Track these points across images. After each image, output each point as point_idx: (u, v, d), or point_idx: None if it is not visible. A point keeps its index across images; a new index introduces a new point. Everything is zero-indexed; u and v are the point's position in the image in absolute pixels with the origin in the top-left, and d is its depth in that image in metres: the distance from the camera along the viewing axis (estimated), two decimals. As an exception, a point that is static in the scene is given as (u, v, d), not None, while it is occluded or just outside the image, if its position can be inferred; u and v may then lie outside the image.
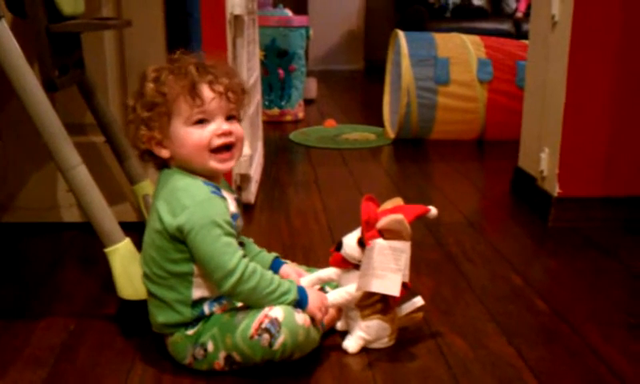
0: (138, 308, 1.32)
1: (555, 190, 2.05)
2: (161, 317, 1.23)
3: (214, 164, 1.22)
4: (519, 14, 5.90)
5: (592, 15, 1.94)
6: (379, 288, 1.25)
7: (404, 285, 1.28)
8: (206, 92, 1.19)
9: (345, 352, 1.30)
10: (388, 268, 1.24)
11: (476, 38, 3.34)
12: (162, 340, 1.27)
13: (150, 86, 1.20)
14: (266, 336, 1.15)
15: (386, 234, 1.24)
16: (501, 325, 1.43)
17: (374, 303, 1.29)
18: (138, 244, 1.32)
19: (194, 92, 1.18)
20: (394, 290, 1.25)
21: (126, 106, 1.26)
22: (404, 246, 1.25)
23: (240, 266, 1.16)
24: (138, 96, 1.22)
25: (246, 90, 1.29)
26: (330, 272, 1.34)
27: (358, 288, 1.27)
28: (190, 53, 1.26)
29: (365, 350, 1.31)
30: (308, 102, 4.38)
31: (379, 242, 1.24)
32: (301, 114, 3.95)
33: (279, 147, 3.21)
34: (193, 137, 1.20)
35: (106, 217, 1.37)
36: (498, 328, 1.41)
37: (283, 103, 3.88)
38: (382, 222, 1.24)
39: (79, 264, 1.76)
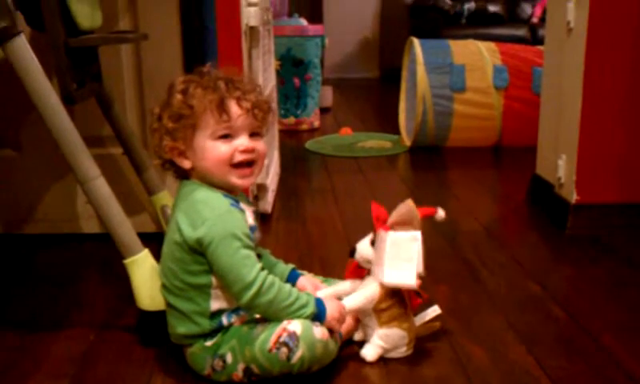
0: (158, 319, 1.33)
1: (573, 197, 2.04)
2: (180, 328, 1.24)
3: (235, 179, 1.23)
4: (535, 20, 5.88)
5: (607, 21, 1.93)
6: (393, 278, 1.24)
7: (419, 294, 1.28)
8: (234, 108, 1.20)
9: (363, 361, 1.30)
10: (401, 258, 1.24)
11: (491, 45, 3.34)
12: (181, 351, 1.28)
13: (178, 97, 1.21)
14: (284, 350, 1.16)
15: (396, 227, 1.25)
16: (519, 333, 1.42)
17: (390, 307, 1.29)
18: (157, 254, 1.33)
19: (221, 107, 1.19)
20: (410, 280, 1.24)
21: (150, 114, 1.27)
22: (415, 235, 1.25)
23: (259, 278, 1.17)
24: (164, 106, 1.23)
25: (272, 108, 1.30)
26: (347, 286, 1.34)
27: (374, 278, 1.28)
28: (216, 67, 1.28)
29: (383, 360, 1.30)
30: (324, 111, 4.38)
31: (389, 233, 1.24)
32: (317, 123, 3.96)
33: (295, 156, 3.22)
34: (216, 151, 1.21)
35: (125, 228, 1.38)
36: (516, 337, 1.41)
37: (299, 112, 3.89)
38: (393, 217, 1.25)
39: (99, 275, 1.77)
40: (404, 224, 1.25)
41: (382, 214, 1.28)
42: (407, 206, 1.25)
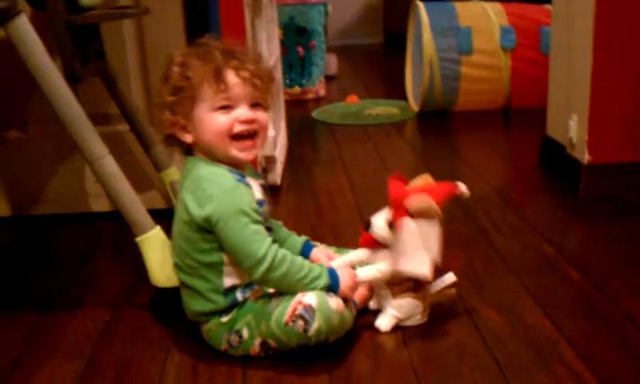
0: (172, 295, 1.32)
1: (585, 158, 2.01)
2: (195, 306, 1.23)
3: (235, 152, 1.21)
4: (540, -22, 5.79)
5: (617, -24, 1.90)
6: (409, 268, 1.24)
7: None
8: (231, 77, 1.18)
9: (378, 331, 1.30)
10: (417, 248, 1.23)
11: (497, 5, 3.29)
12: (198, 327, 1.27)
13: (176, 70, 1.20)
14: (300, 322, 1.15)
15: (415, 214, 1.23)
16: (535, 297, 1.41)
17: (403, 281, 1.28)
18: (168, 231, 1.33)
19: (218, 77, 1.17)
20: (424, 270, 1.23)
21: (154, 89, 1.26)
22: (433, 226, 1.24)
23: (269, 253, 1.16)
24: (163, 80, 1.22)
25: (273, 77, 1.27)
26: (360, 254, 1.32)
27: (389, 257, 1.26)
28: (217, 38, 1.26)
29: (398, 328, 1.30)
30: (329, 79, 4.34)
31: (408, 222, 1.23)
32: (322, 92, 3.92)
33: (302, 126, 3.19)
34: (215, 122, 1.19)
35: (136, 206, 1.37)
36: (532, 300, 1.40)
37: (304, 81, 3.85)
38: (411, 205, 1.23)
39: (111, 254, 1.77)
40: (423, 215, 1.23)
41: (400, 196, 1.25)
42: (426, 202, 1.23)
